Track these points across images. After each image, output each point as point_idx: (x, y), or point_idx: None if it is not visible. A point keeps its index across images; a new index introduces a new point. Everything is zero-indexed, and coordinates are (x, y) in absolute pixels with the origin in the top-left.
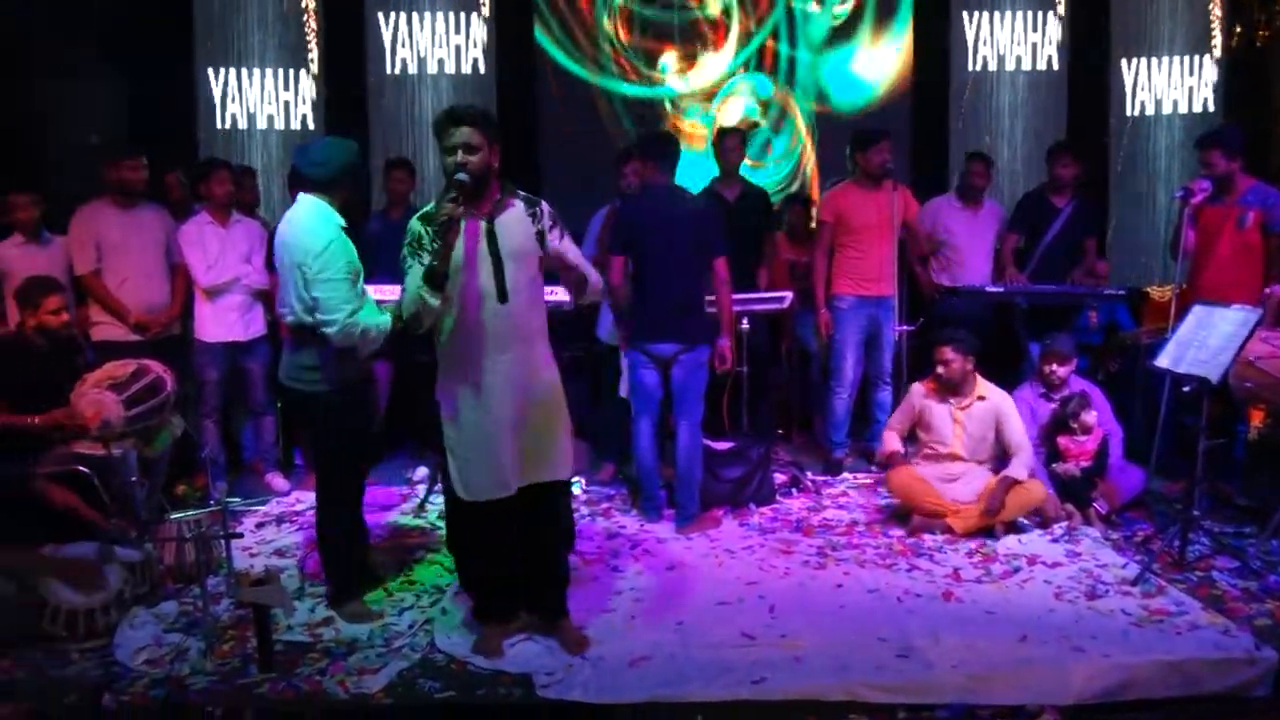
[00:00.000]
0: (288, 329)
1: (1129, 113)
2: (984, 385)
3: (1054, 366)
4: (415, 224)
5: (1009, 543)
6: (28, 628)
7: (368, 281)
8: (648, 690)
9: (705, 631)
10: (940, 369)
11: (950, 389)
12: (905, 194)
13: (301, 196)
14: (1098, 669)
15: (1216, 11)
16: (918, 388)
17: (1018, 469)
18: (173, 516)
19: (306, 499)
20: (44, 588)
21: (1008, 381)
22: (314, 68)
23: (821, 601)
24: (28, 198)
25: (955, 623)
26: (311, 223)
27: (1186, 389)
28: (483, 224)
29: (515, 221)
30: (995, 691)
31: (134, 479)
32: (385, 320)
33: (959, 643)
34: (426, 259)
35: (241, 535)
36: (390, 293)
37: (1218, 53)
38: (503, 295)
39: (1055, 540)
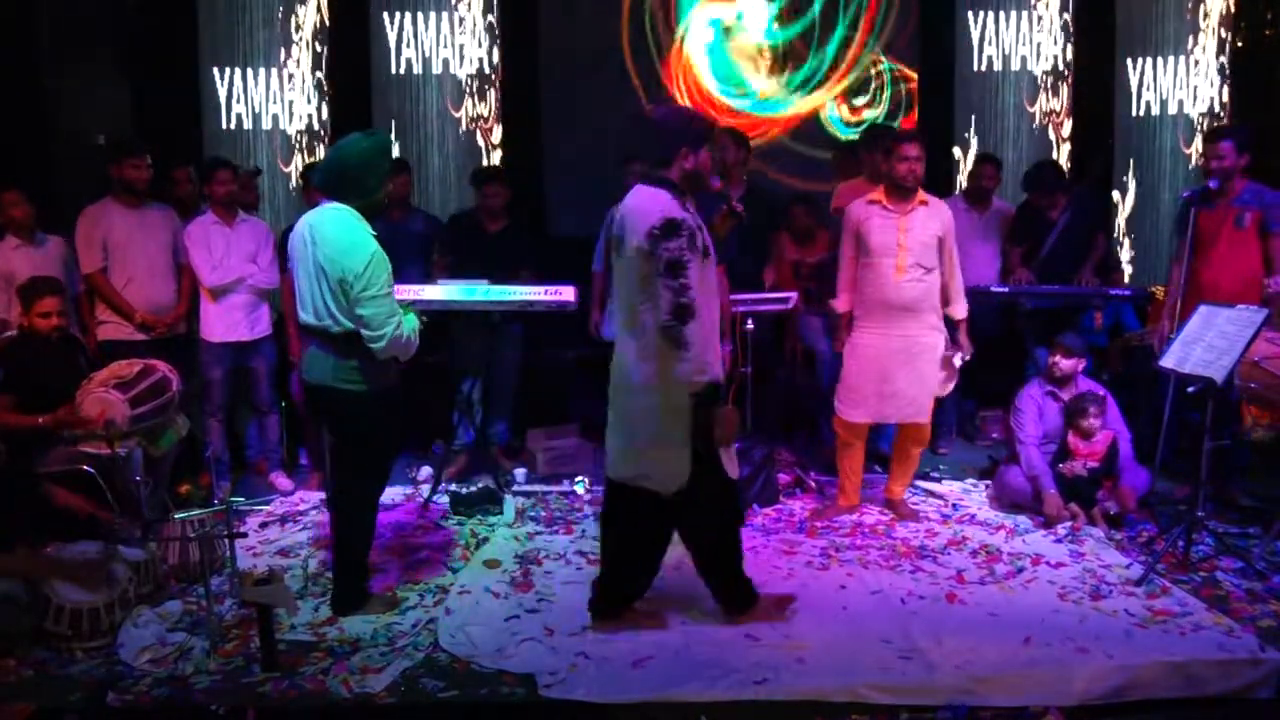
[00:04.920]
0: (322, 335)
1: (1134, 112)
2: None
3: (1058, 358)
4: None
5: (1013, 543)
6: (32, 627)
7: None
8: (650, 690)
9: (708, 632)
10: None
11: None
12: None
13: (333, 205)
14: (1101, 670)
15: (1222, 10)
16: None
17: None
18: (177, 515)
19: (310, 498)
20: (48, 587)
21: (1011, 383)
22: (319, 67)
23: (824, 602)
24: (16, 195)
25: (958, 624)
26: (349, 237)
27: (1191, 390)
28: None
29: None
30: (998, 693)
31: (138, 478)
32: (414, 320)
33: (962, 644)
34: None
35: (245, 534)
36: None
37: (1224, 52)
38: None
39: (1059, 541)
